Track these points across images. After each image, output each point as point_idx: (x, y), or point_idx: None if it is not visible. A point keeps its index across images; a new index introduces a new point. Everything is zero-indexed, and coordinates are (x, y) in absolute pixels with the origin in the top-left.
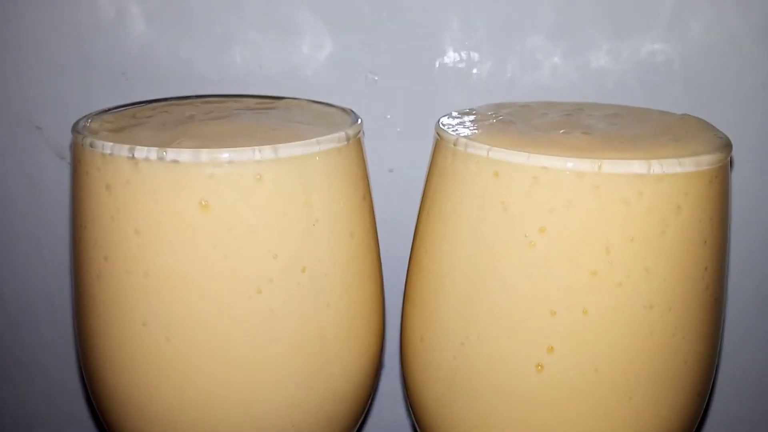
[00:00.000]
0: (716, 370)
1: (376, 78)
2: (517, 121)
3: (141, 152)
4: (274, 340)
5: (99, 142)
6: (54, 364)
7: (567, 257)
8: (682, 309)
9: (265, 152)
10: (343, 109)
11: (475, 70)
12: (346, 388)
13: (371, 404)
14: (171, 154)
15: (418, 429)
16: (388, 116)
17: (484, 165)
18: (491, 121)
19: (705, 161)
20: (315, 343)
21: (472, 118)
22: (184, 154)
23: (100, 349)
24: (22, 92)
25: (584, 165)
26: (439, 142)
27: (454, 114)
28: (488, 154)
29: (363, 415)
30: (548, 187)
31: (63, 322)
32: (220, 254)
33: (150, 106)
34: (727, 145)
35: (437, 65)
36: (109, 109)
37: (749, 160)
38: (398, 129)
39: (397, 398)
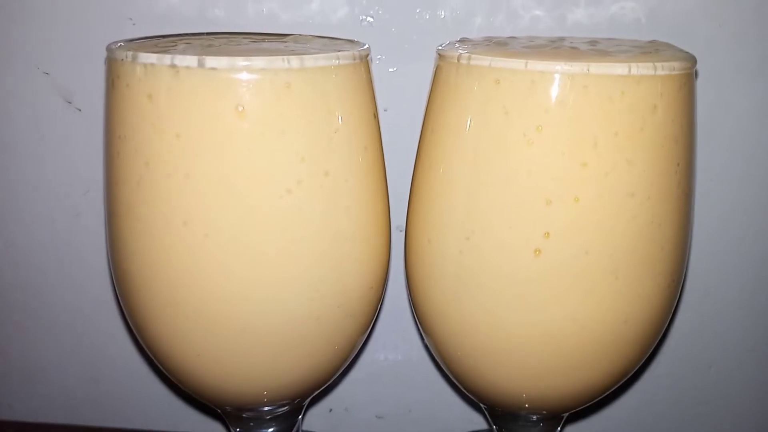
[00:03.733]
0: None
1: (371, 20)
2: (509, 43)
3: (182, 61)
4: (301, 238)
5: (143, 54)
6: (62, 307)
7: (561, 151)
8: (658, 199)
9: (293, 62)
10: (349, 40)
11: (464, 23)
12: (361, 286)
13: (379, 313)
14: (210, 62)
15: (423, 332)
16: (383, 57)
17: (486, 74)
18: (486, 44)
19: (676, 67)
20: (334, 243)
21: (467, 44)
22: (223, 62)
23: (141, 251)
24: (30, 39)
25: (575, 68)
26: (441, 64)
27: (451, 42)
28: (490, 64)
29: (375, 315)
30: (544, 89)
31: (70, 267)
32: (254, 156)
33: (169, 39)
34: (692, 58)
35: (428, 17)
36: (131, 40)
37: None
38: (390, 69)
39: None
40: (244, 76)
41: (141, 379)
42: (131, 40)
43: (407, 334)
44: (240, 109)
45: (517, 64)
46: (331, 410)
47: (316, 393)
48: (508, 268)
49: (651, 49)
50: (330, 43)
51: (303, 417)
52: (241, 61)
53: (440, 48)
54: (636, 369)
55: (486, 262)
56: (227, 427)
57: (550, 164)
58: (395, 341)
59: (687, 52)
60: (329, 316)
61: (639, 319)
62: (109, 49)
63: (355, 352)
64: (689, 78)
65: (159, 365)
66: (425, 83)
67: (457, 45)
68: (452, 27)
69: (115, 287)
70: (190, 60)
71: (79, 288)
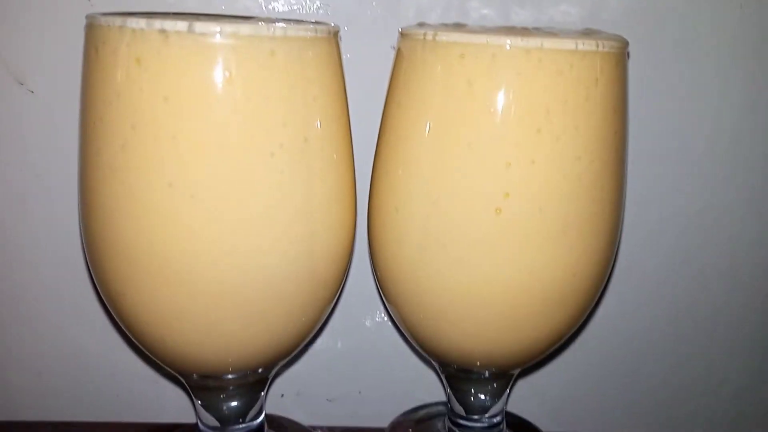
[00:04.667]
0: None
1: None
2: (466, 25)
3: (173, 26)
4: (280, 201)
5: (132, 19)
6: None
7: (518, 118)
8: (600, 163)
9: (278, 31)
10: (318, 22)
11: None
12: (330, 251)
13: (346, 280)
14: (199, 27)
15: (388, 300)
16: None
17: (451, 49)
18: (444, 25)
19: (614, 46)
20: (308, 206)
21: (426, 26)
22: (212, 27)
23: (123, 215)
24: None
25: (530, 43)
26: (405, 42)
27: (410, 25)
28: (455, 40)
29: (342, 284)
30: (504, 62)
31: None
32: (240, 119)
33: (149, 14)
34: (625, 41)
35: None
36: (103, 14)
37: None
38: (347, 55)
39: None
40: (232, 41)
41: (87, 372)
42: (106, 14)
43: (357, 320)
44: (227, 74)
45: (479, 38)
46: (282, 395)
47: (279, 366)
48: (473, 228)
49: (589, 33)
50: (304, 23)
51: (266, 394)
52: (228, 27)
53: (404, 28)
54: (579, 324)
55: (452, 223)
56: (192, 401)
57: (509, 130)
58: (346, 327)
59: (620, 36)
60: (303, 279)
61: (585, 273)
62: (92, 16)
63: (322, 321)
64: (623, 57)
65: (130, 334)
66: (378, 68)
67: (418, 26)
68: (413, 21)
69: (88, 258)
70: (181, 25)
71: (26, 275)
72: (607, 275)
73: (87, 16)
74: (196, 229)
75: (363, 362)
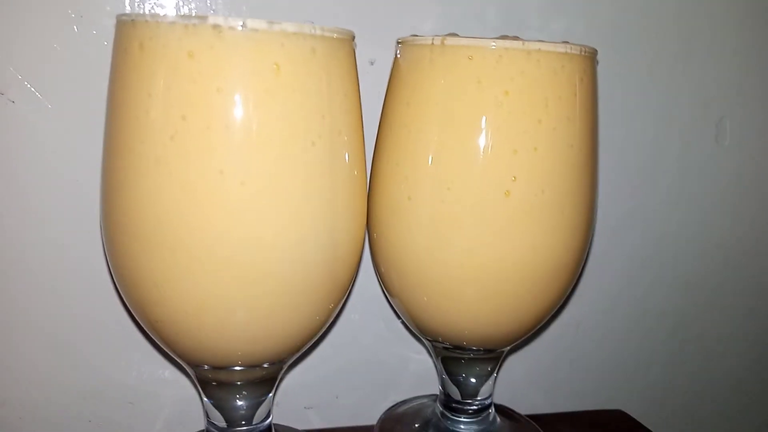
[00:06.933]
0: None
1: None
2: (458, 34)
3: (226, 21)
4: (318, 188)
5: (185, 16)
6: None
7: (522, 110)
8: (587, 150)
9: (318, 30)
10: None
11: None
12: (349, 240)
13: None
14: (251, 23)
15: (393, 291)
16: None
17: (459, 52)
18: (438, 36)
19: (591, 52)
20: (335, 195)
21: (422, 37)
22: (263, 23)
23: (170, 203)
24: None
25: (531, 46)
26: (410, 49)
27: (407, 36)
28: (463, 44)
29: (353, 280)
30: (509, 62)
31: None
32: (286, 110)
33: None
34: (596, 49)
35: None
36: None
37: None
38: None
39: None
40: (281, 37)
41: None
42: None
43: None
44: (275, 67)
45: (485, 42)
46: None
47: (288, 364)
48: (485, 209)
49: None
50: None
51: (274, 395)
52: (276, 26)
53: (404, 38)
54: (565, 297)
55: (465, 206)
56: (200, 398)
57: (515, 120)
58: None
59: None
60: (326, 267)
61: (574, 248)
62: (135, 15)
63: (334, 316)
64: (595, 62)
65: (152, 329)
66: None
67: (417, 37)
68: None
69: (113, 253)
70: (233, 21)
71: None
72: (587, 249)
73: (125, 15)
74: (247, 216)
75: (341, 368)
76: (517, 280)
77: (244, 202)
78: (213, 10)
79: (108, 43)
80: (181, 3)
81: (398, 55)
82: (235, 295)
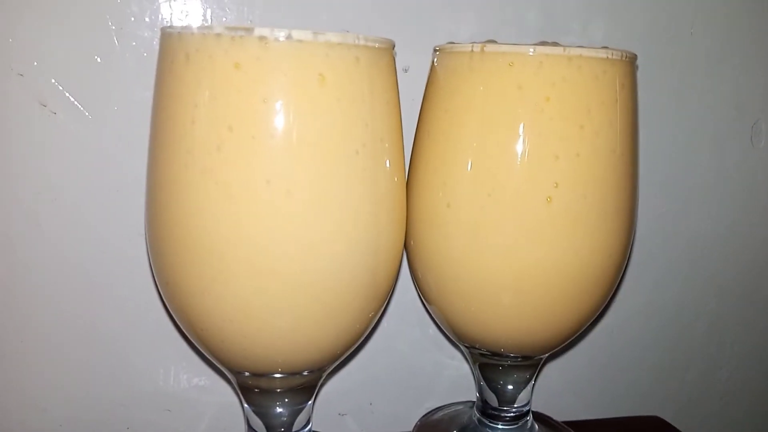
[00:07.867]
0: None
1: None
2: (498, 41)
3: (272, 33)
4: (362, 196)
5: (231, 28)
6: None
7: (564, 116)
8: (628, 155)
9: (361, 40)
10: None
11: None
12: (390, 249)
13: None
14: (296, 34)
15: (432, 299)
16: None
17: (500, 59)
18: (477, 42)
19: (632, 57)
20: (377, 203)
21: (461, 44)
22: (308, 35)
23: (217, 212)
24: (3, 39)
25: (572, 52)
26: (448, 57)
27: (444, 44)
28: (504, 50)
29: (392, 290)
30: (550, 68)
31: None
32: (332, 119)
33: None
34: (635, 54)
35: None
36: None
37: None
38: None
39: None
40: (325, 48)
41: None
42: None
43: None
44: (321, 76)
45: (525, 49)
46: None
47: (328, 372)
48: (526, 215)
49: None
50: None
51: (314, 403)
52: (321, 37)
53: (442, 46)
54: (605, 304)
55: (507, 212)
56: (241, 404)
57: (556, 126)
58: None
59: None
60: (366, 276)
61: (617, 253)
62: (182, 27)
63: (374, 323)
64: (635, 67)
65: (196, 336)
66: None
67: (455, 44)
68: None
69: (158, 262)
70: (279, 33)
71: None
72: (628, 257)
73: (170, 27)
74: (293, 225)
75: (375, 375)
76: (558, 287)
77: (290, 211)
78: (250, 21)
79: (147, 54)
80: (220, 15)
81: (435, 63)
82: (280, 303)
